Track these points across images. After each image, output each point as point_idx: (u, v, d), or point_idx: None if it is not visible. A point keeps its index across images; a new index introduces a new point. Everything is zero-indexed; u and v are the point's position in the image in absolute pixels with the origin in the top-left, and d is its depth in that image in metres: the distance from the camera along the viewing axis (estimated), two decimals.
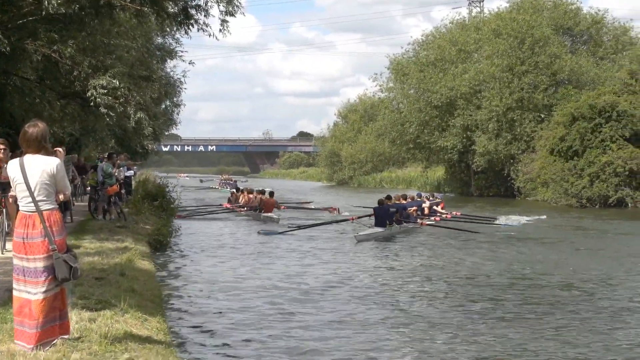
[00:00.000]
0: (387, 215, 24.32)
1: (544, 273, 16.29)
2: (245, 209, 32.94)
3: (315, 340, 9.83)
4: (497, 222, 28.26)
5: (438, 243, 22.19)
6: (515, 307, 12.42)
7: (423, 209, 29.35)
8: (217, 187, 70.07)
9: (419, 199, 30.52)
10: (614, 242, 23.36)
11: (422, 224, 26.96)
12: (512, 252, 19.95)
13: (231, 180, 74.35)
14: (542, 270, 16.68)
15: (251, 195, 33.11)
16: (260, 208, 30.69)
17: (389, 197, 26.15)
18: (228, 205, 35.37)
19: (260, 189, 36.23)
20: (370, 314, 11.64)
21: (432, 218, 28.64)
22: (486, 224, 27.25)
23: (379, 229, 23.89)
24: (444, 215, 29.70)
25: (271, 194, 32.06)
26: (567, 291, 14.17)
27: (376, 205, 25.36)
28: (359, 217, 27.09)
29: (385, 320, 11.18)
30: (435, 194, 38.19)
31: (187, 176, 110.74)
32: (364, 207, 33.29)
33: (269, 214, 29.67)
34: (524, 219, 29.56)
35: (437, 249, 20.67)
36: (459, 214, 30.60)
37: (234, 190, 39.12)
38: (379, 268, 16.76)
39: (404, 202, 27.57)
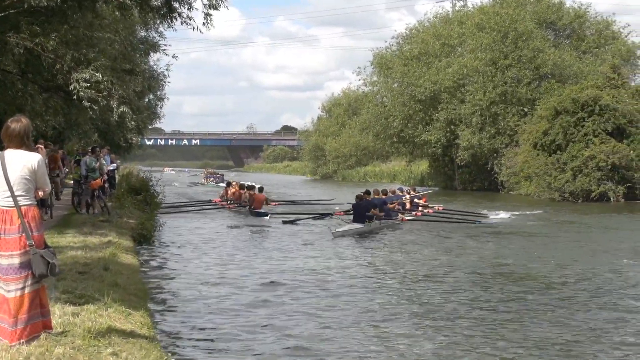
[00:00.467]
0: (365, 210, 23.71)
1: (529, 268, 16.34)
2: (231, 204, 32.05)
3: (300, 334, 9.83)
4: (481, 217, 27.91)
5: (418, 239, 21.83)
6: (497, 302, 12.41)
7: (404, 203, 28.68)
8: (203, 181, 67.87)
9: (400, 193, 29.84)
10: (600, 237, 23.42)
11: (402, 219, 26.21)
12: (495, 247, 19.87)
13: (217, 174, 71.76)
14: (527, 265, 16.71)
15: (242, 191, 31.72)
16: (250, 204, 29.69)
17: (367, 192, 25.50)
18: (218, 201, 34.42)
19: (250, 184, 34.78)
20: (338, 309, 11.64)
21: (414, 213, 27.94)
22: (469, 219, 26.87)
23: (358, 225, 23.24)
24: (426, 210, 29.05)
25: (260, 189, 31.06)
26: (551, 285, 14.22)
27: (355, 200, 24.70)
28: (341, 212, 26.72)
29: (359, 318, 11.15)
30: (418, 187, 36.96)
31: (172, 170, 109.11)
32: (345, 203, 32.03)
33: (259, 210, 28.90)
34: (508, 215, 29.32)
35: (417, 245, 20.33)
36: (441, 208, 30.25)
37: (226, 185, 37.72)
38: (352, 265, 16.30)
39: (383, 197, 26.89)
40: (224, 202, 33.13)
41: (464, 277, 14.78)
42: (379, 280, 14.43)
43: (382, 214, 24.65)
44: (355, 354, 9.04)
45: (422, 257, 17.78)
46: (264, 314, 11.01)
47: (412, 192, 31.20)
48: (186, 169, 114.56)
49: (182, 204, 33.51)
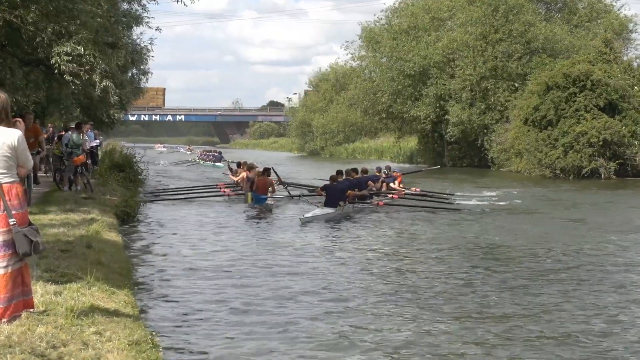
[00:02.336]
0: (338, 193, 21.61)
1: (519, 249, 16.33)
2: (231, 190, 26.82)
3: (282, 315, 9.83)
4: (455, 201, 25.58)
5: (396, 223, 20.15)
6: (494, 290, 12.44)
7: (379, 185, 25.96)
8: (196, 159, 61.37)
9: (377, 174, 27.14)
10: (592, 213, 23.46)
11: (378, 203, 23.78)
12: (480, 229, 19.23)
13: (216, 152, 62.38)
14: (517, 246, 16.67)
15: (249, 173, 25.67)
16: (250, 189, 24.56)
17: (339, 172, 23.54)
18: (222, 186, 28.30)
19: (250, 162, 28.77)
20: (299, 294, 11.64)
21: (390, 196, 25.28)
22: (445, 203, 24.51)
23: (329, 210, 20.97)
24: (401, 192, 26.20)
25: (265, 171, 24.88)
26: (543, 265, 14.25)
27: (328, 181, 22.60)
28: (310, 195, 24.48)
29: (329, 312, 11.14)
30: (392, 166, 32.61)
31: (164, 147, 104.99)
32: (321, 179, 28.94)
33: (262, 196, 23.91)
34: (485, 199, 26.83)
35: (394, 229, 18.98)
36: (418, 190, 27.77)
37: (236, 166, 31.28)
38: (321, 256, 14.89)
39: (356, 176, 24.42)
40: (225, 188, 27.36)
41: (455, 263, 14.71)
42: (353, 271, 14.29)
43: (355, 198, 22.72)
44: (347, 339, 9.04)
45: (402, 243, 16.78)
46: (249, 293, 10.99)
47: (386, 172, 27.94)
48: (179, 146, 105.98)
49: (173, 190, 28.26)
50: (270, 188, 24.23)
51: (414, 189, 27.90)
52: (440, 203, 24.30)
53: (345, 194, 21.86)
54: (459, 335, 9.00)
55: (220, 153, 60.88)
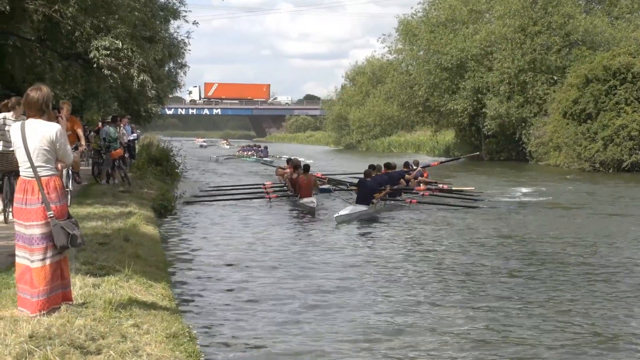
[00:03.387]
0: (371, 190, 20.85)
1: (562, 245, 16.08)
2: (273, 192, 24.19)
3: (320, 312, 9.80)
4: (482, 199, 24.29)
5: (430, 222, 19.49)
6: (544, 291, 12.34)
7: (408, 181, 24.99)
8: (242, 154, 56.37)
9: (405, 169, 25.97)
10: (637, 208, 23.01)
11: (410, 201, 22.67)
12: (517, 225, 18.88)
13: (258, 147, 57.77)
14: (560, 242, 16.33)
15: (293, 172, 23.82)
16: (294, 190, 22.72)
17: (372, 167, 22.90)
18: (269, 185, 25.69)
19: (292, 158, 27.45)
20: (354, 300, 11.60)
21: (420, 193, 24.16)
22: (477, 201, 23.50)
23: (362, 207, 20.18)
24: (428, 188, 25.31)
25: (306, 168, 22.98)
26: (588, 264, 14.08)
27: (362, 176, 21.74)
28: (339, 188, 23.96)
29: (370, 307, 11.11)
30: (428, 159, 30.24)
31: (204, 141, 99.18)
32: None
33: (306, 200, 21.48)
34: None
35: (429, 228, 18.38)
36: (445, 186, 26.55)
37: (286, 162, 28.08)
38: (360, 254, 14.55)
39: (388, 172, 23.75)
40: (270, 189, 24.71)
41: (500, 263, 14.59)
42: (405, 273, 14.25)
43: (387, 195, 21.97)
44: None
45: (437, 242, 16.29)
46: (287, 290, 10.97)
47: (414, 168, 26.67)
48: (218, 140, 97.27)
49: (216, 189, 26.39)
50: (313, 187, 22.55)
51: (443, 185, 26.75)
52: (472, 201, 23.28)
53: (377, 191, 21.19)
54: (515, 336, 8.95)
55: (266, 148, 57.10)
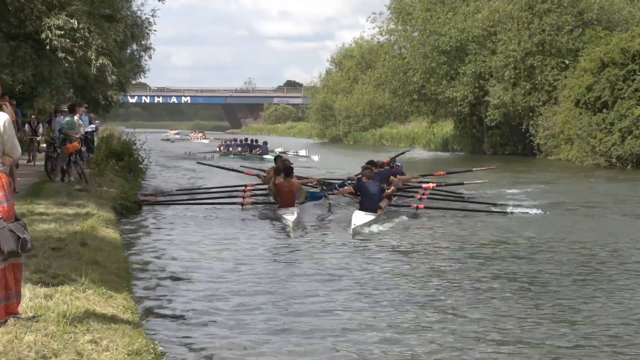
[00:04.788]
0: (376, 194, 19.44)
1: (579, 251, 16.15)
2: (251, 196, 22.68)
3: (293, 321, 9.83)
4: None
5: (450, 230, 18.68)
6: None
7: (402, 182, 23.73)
8: (217, 149, 53.27)
9: (390, 167, 23.94)
10: None
11: (418, 206, 21.24)
12: (538, 229, 18.53)
13: (251, 142, 53.01)
14: (576, 248, 16.31)
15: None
16: (275, 198, 21.05)
17: (372, 164, 21.82)
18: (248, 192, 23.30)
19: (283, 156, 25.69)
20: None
21: (417, 196, 22.80)
22: (491, 205, 22.54)
23: (371, 216, 18.63)
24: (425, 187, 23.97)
25: (287, 171, 20.34)
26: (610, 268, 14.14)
27: (361, 174, 20.54)
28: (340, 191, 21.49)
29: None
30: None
31: (176, 133, 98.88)
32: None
33: (285, 211, 19.30)
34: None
35: (453, 237, 17.59)
36: (434, 185, 24.74)
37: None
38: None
39: (387, 169, 22.64)
40: (247, 193, 22.91)
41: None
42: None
43: (390, 198, 20.71)
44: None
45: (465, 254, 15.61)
46: (259, 300, 10.96)
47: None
48: (197, 135, 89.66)
49: (182, 192, 24.67)
50: (298, 194, 20.47)
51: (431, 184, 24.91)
52: (487, 205, 22.48)
53: (382, 194, 19.73)
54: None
55: (266, 143, 51.08)
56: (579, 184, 30.40)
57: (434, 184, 24.41)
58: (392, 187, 20.90)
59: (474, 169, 27.29)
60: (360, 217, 18.28)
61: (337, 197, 21.63)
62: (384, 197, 19.83)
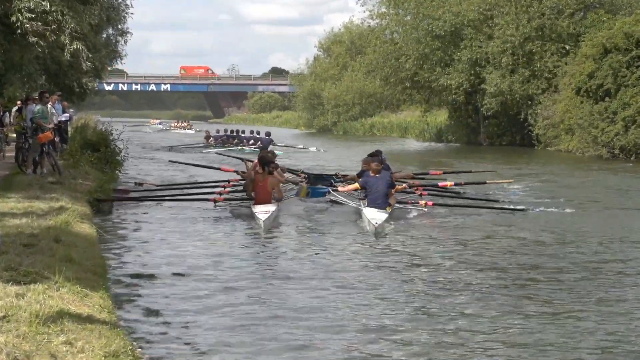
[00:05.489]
0: (384, 190, 18.90)
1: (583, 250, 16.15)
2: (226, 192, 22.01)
3: (276, 323, 9.86)
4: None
5: (465, 229, 18.33)
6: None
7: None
8: (206, 142, 50.99)
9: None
10: None
11: (426, 203, 20.59)
12: (549, 228, 18.28)
13: (248, 136, 49.83)
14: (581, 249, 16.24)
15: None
16: (248, 194, 20.34)
17: (380, 154, 21.55)
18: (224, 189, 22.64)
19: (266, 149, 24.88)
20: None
21: (418, 194, 22.21)
22: (499, 202, 22.41)
23: (384, 213, 18.11)
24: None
25: (264, 163, 19.95)
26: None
27: (363, 166, 20.37)
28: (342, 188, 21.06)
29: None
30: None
31: (159, 122, 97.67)
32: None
33: (260, 209, 18.59)
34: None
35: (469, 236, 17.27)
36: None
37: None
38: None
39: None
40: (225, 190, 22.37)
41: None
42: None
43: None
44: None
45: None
46: (238, 297, 10.97)
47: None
48: (183, 124, 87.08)
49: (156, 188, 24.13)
50: (274, 190, 19.70)
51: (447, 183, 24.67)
52: (493, 202, 22.24)
53: (390, 190, 19.21)
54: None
55: (269, 134, 46.85)
56: (586, 178, 30.24)
57: (452, 183, 24.02)
58: (404, 184, 20.93)
59: (487, 181, 26.15)
60: (375, 215, 17.78)
61: (340, 195, 20.82)
62: (392, 193, 19.38)
